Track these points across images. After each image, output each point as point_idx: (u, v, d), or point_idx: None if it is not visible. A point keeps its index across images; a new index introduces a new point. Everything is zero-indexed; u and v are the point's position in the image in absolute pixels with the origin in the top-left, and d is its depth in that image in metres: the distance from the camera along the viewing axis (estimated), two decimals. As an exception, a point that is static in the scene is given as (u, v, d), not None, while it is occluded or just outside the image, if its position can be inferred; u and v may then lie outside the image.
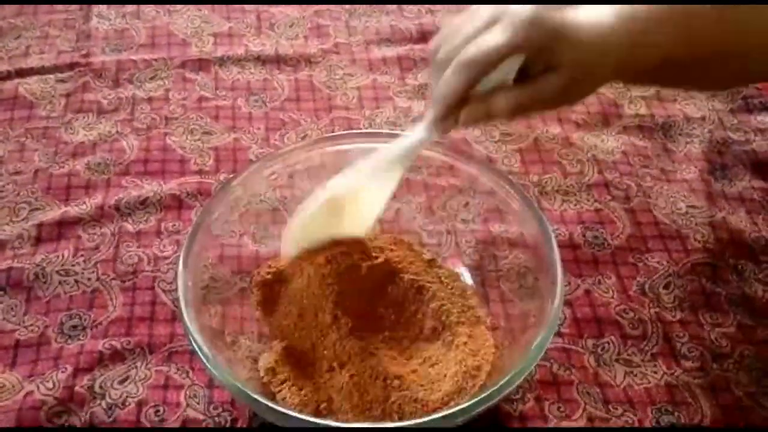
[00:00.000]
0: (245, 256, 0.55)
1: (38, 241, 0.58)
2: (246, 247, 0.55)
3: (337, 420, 0.46)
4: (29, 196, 0.62)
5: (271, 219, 0.57)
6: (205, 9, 0.81)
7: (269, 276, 0.53)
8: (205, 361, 0.43)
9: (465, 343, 0.51)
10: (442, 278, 0.54)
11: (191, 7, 0.81)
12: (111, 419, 0.48)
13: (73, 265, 0.57)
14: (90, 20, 0.78)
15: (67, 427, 0.47)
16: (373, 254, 0.53)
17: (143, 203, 0.61)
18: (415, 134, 0.46)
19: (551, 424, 0.49)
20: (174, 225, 0.60)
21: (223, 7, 0.81)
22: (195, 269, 0.48)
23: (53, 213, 0.60)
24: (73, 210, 0.60)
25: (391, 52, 0.77)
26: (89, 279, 0.56)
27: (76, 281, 0.56)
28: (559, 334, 0.53)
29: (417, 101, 0.72)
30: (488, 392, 0.42)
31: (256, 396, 0.42)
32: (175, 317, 0.54)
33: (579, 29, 0.42)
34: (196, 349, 0.44)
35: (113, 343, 0.52)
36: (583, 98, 0.46)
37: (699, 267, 0.59)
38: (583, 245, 0.60)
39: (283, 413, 0.41)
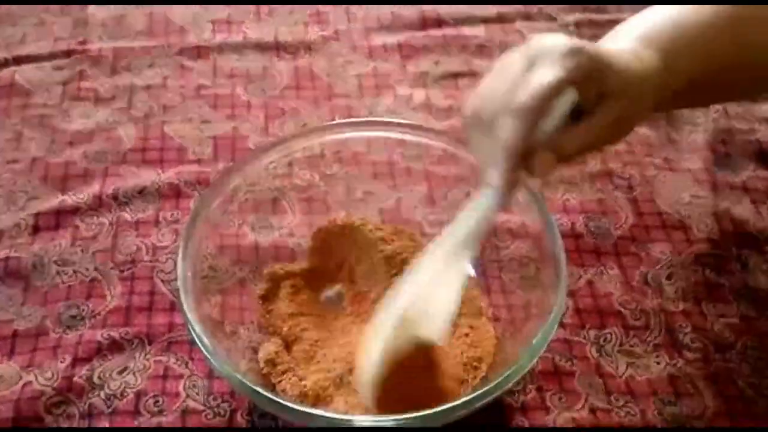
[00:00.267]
0: (244, 245, 0.54)
1: (36, 230, 0.58)
2: (245, 236, 0.55)
3: (337, 412, 0.46)
4: (26, 185, 0.61)
5: (271, 208, 0.56)
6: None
7: (282, 272, 0.53)
8: (205, 351, 0.43)
9: (466, 335, 0.50)
10: None
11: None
12: (110, 410, 0.48)
13: (71, 255, 0.56)
14: (87, 7, 0.77)
15: (66, 428, 0.47)
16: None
17: (141, 192, 0.61)
18: (484, 206, 0.41)
19: (553, 415, 0.49)
20: (172, 214, 0.59)
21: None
22: (194, 259, 0.48)
23: (50, 202, 0.59)
24: (70, 199, 0.60)
25: (391, 39, 0.76)
26: (87, 269, 0.55)
27: (74, 271, 0.55)
28: (561, 324, 0.53)
29: (417, 89, 0.71)
30: (490, 385, 0.41)
31: (255, 387, 0.41)
32: (173, 307, 0.53)
33: (621, 58, 0.41)
34: (196, 339, 0.43)
35: (112, 333, 0.52)
36: (633, 129, 0.44)
37: (702, 257, 0.58)
38: (585, 235, 0.59)
39: (283, 404, 0.41)
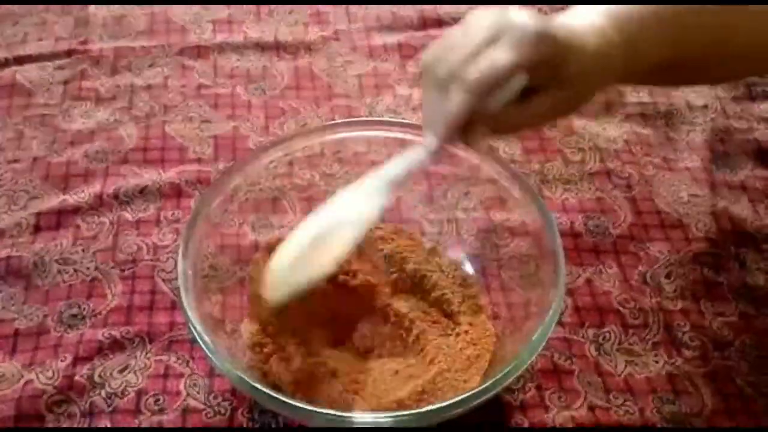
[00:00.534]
0: (245, 244, 0.55)
1: (37, 229, 0.58)
2: (245, 235, 0.55)
3: (330, 399, 0.46)
4: (27, 184, 0.61)
5: (271, 208, 0.56)
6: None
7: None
8: (205, 349, 0.43)
9: (466, 332, 0.50)
10: (443, 267, 0.54)
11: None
12: (111, 408, 0.48)
13: (72, 254, 0.56)
14: (88, 7, 0.78)
15: (66, 429, 0.47)
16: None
17: (142, 192, 0.61)
18: (412, 157, 0.43)
19: (552, 414, 0.49)
20: (173, 214, 0.60)
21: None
22: (195, 258, 0.48)
23: (52, 202, 0.60)
24: (71, 198, 0.60)
25: (391, 39, 0.76)
26: (88, 268, 0.56)
27: (75, 270, 0.55)
28: (560, 323, 0.53)
29: (418, 89, 0.71)
30: (489, 382, 0.41)
31: (256, 384, 0.41)
32: (174, 306, 0.53)
33: (585, 43, 0.41)
34: (197, 337, 0.43)
35: (113, 332, 0.52)
36: (585, 105, 0.44)
37: (701, 256, 0.58)
38: (584, 234, 0.59)
39: (283, 401, 0.41)
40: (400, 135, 0.56)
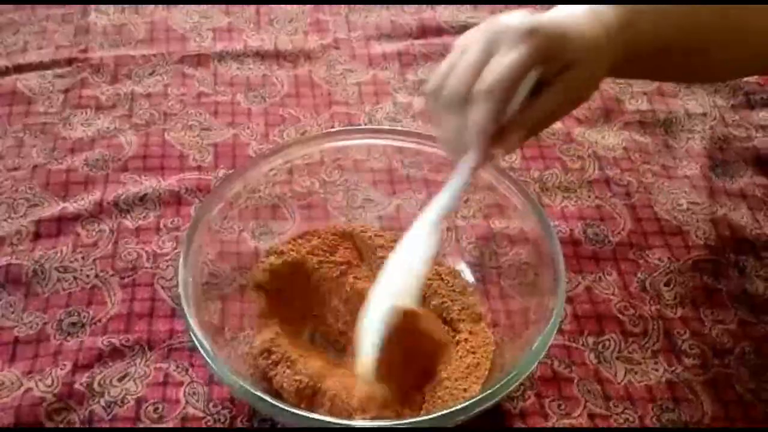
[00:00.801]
0: (245, 252, 0.55)
1: (37, 237, 0.58)
2: (245, 243, 0.55)
3: (332, 411, 0.46)
4: (27, 192, 0.61)
5: (271, 215, 0.57)
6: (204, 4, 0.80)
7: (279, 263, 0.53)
8: (206, 356, 0.43)
9: (465, 340, 0.50)
10: (443, 275, 0.54)
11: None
12: (110, 417, 0.48)
13: (71, 262, 0.56)
14: (88, 15, 0.78)
15: (66, 428, 0.47)
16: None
17: (142, 199, 0.61)
18: (456, 187, 0.44)
19: (552, 422, 0.49)
20: (173, 221, 0.60)
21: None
22: (194, 265, 0.48)
23: (52, 209, 0.60)
24: (71, 206, 0.60)
25: (391, 47, 0.76)
26: (88, 276, 0.56)
27: (75, 278, 0.55)
28: (559, 331, 0.53)
29: (417, 97, 0.71)
30: (489, 390, 0.41)
31: (256, 392, 0.41)
32: (174, 314, 0.53)
33: (581, 27, 0.42)
34: (197, 344, 0.43)
35: (112, 340, 0.52)
36: (594, 89, 0.45)
37: (700, 263, 0.58)
38: (583, 241, 0.60)
39: (283, 409, 0.41)
40: (399, 143, 0.56)
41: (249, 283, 0.53)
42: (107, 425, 0.48)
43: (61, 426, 0.47)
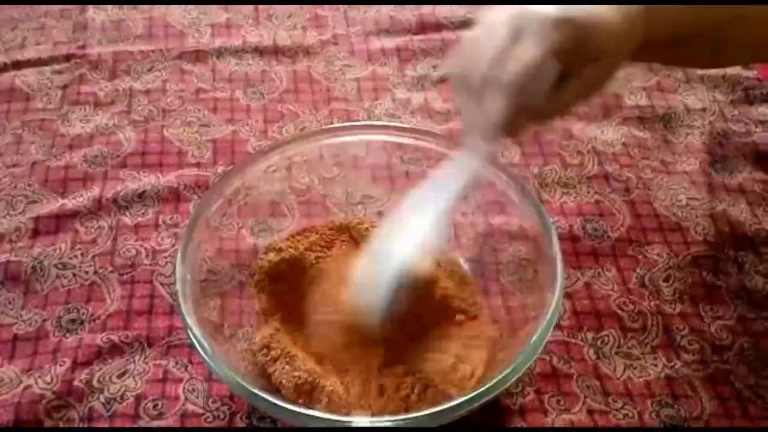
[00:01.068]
0: (243, 249, 0.55)
1: (36, 234, 0.58)
2: (244, 239, 0.55)
3: (330, 405, 0.46)
4: (26, 188, 0.61)
5: (270, 211, 0.57)
6: None
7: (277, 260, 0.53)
8: (204, 354, 0.43)
9: (465, 336, 0.50)
10: (441, 264, 0.54)
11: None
12: (109, 413, 0.48)
13: (70, 259, 0.56)
14: (86, 12, 0.78)
15: (66, 429, 0.47)
16: None
17: (141, 196, 0.61)
18: (467, 165, 0.44)
19: (551, 418, 0.49)
20: (172, 218, 0.60)
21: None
22: (193, 262, 0.48)
23: (50, 206, 0.60)
24: (70, 203, 0.60)
25: (390, 43, 0.76)
26: (87, 272, 0.56)
27: (74, 275, 0.55)
28: (558, 326, 0.53)
29: (416, 92, 0.71)
30: (488, 385, 0.41)
31: (254, 389, 0.41)
32: (173, 311, 0.53)
33: (606, 17, 0.41)
34: (195, 342, 0.43)
35: (111, 336, 0.52)
36: (614, 77, 0.45)
37: (699, 259, 0.58)
38: (582, 237, 0.60)
39: (282, 407, 0.41)
40: (398, 139, 0.56)
41: (248, 281, 0.53)
42: (107, 422, 0.48)
43: (61, 423, 0.48)
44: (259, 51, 0.75)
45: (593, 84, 0.43)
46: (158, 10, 0.78)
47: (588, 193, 0.63)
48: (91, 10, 0.78)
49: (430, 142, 0.55)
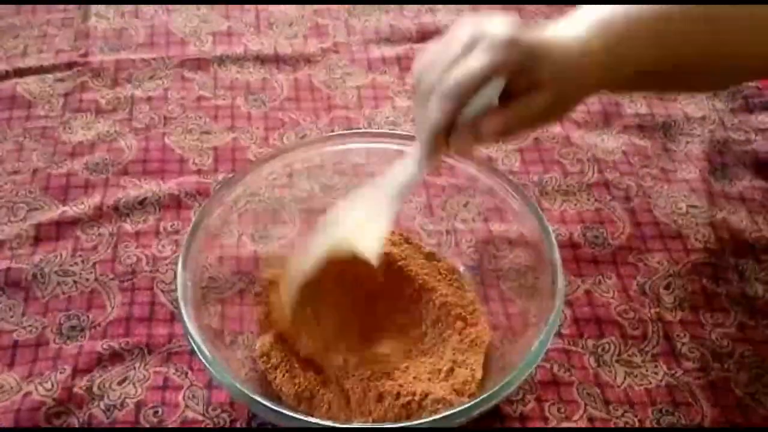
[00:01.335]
0: (244, 256, 0.55)
1: (36, 241, 0.58)
2: (245, 247, 0.55)
3: (330, 413, 0.46)
4: (27, 195, 0.61)
5: (271, 219, 0.57)
6: (204, 8, 0.81)
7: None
8: (204, 361, 0.43)
9: (464, 342, 0.50)
10: (441, 271, 0.54)
11: (190, 6, 0.80)
12: (110, 420, 0.48)
13: (71, 266, 0.56)
14: (88, 19, 0.78)
15: (66, 428, 0.47)
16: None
17: (142, 203, 0.61)
18: (405, 172, 0.45)
19: (551, 425, 0.49)
20: (173, 225, 0.60)
21: (222, 5, 0.81)
22: (194, 269, 0.48)
23: (51, 213, 0.60)
24: (71, 210, 0.60)
25: (390, 51, 0.76)
26: (88, 279, 0.56)
27: (75, 282, 0.55)
28: (559, 334, 0.53)
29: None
30: (488, 393, 0.41)
31: (254, 396, 0.41)
32: (173, 318, 0.53)
33: (553, 47, 0.42)
34: (196, 349, 0.43)
35: (112, 343, 0.52)
36: (566, 114, 0.46)
37: (700, 267, 0.58)
38: (583, 245, 0.60)
39: (282, 413, 0.41)
40: (399, 146, 0.56)
41: (249, 288, 0.53)
42: (107, 429, 0.48)
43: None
44: (261, 59, 0.75)
45: (540, 113, 0.43)
46: (160, 18, 0.79)
47: (588, 200, 0.63)
48: (93, 19, 0.78)
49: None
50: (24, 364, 0.51)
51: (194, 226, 0.50)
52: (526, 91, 0.42)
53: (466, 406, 0.41)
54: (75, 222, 0.59)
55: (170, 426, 0.48)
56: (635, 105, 0.72)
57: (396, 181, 0.45)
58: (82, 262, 0.57)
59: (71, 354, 0.51)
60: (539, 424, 0.49)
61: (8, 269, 0.56)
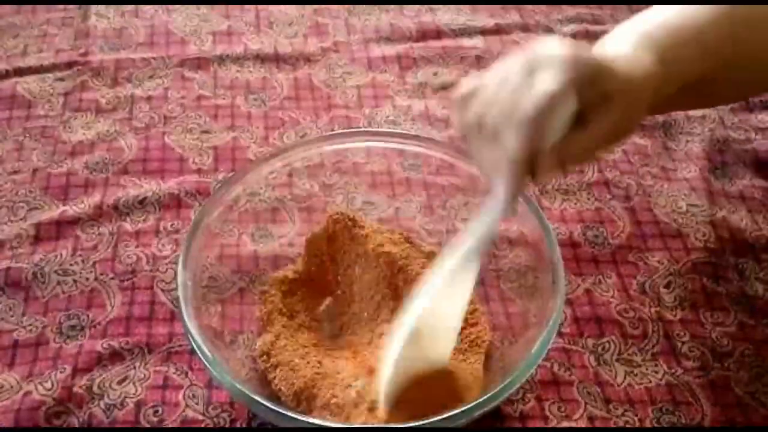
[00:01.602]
0: (244, 255, 0.55)
1: (36, 240, 0.58)
2: (245, 246, 0.55)
3: (330, 414, 0.46)
4: (27, 195, 0.61)
5: (271, 218, 0.57)
6: (204, 7, 0.81)
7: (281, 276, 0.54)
8: (204, 360, 0.43)
9: (465, 344, 0.50)
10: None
11: (190, 5, 0.80)
12: (110, 420, 0.48)
13: (71, 265, 0.56)
14: (88, 19, 0.78)
15: (66, 428, 0.47)
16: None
17: (142, 203, 0.61)
18: (492, 216, 0.42)
19: (552, 425, 0.49)
20: (173, 224, 0.60)
21: (222, 5, 0.81)
22: (194, 269, 0.48)
23: (51, 212, 0.60)
24: (71, 209, 0.60)
25: (390, 50, 0.76)
26: (88, 279, 0.56)
27: (75, 281, 0.55)
28: (559, 333, 0.53)
29: (416, 99, 0.71)
30: (489, 394, 0.41)
31: (254, 396, 0.41)
32: (173, 317, 0.53)
33: (612, 60, 0.42)
34: (196, 348, 0.43)
35: (112, 343, 0.52)
36: (632, 132, 0.45)
37: (700, 266, 0.58)
38: (583, 244, 0.60)
39: (282, 413, 0.41)
40: (398, 146, 0.56)
41: (249, 287, 0.53)
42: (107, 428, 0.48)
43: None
44: (261, 58, 0.75)
45: (612, 129, 0.42)
46: (160, 17, 0.79)
47: (588, 200, 0.63)
48: (93, 18, 0.78)
49: (430, 149, 0.55)
50: (24, 364, 0.51)
51: (194, 225, 0.50)
52: (597, 107, 0.41)
53: (467, 407, 0.41)
54: (75, 221, 0.59)
55: (170, 425, 0.48)
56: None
57: (480, 233, 0.43)
58: (82, 261, 0.57)
59: (71, 353, 0.51)
60: (539, 424, 0.49)
61: (8, 269, 0.56)
